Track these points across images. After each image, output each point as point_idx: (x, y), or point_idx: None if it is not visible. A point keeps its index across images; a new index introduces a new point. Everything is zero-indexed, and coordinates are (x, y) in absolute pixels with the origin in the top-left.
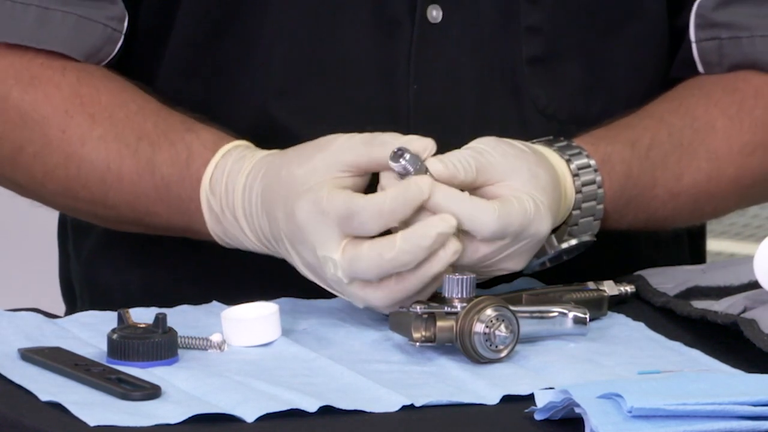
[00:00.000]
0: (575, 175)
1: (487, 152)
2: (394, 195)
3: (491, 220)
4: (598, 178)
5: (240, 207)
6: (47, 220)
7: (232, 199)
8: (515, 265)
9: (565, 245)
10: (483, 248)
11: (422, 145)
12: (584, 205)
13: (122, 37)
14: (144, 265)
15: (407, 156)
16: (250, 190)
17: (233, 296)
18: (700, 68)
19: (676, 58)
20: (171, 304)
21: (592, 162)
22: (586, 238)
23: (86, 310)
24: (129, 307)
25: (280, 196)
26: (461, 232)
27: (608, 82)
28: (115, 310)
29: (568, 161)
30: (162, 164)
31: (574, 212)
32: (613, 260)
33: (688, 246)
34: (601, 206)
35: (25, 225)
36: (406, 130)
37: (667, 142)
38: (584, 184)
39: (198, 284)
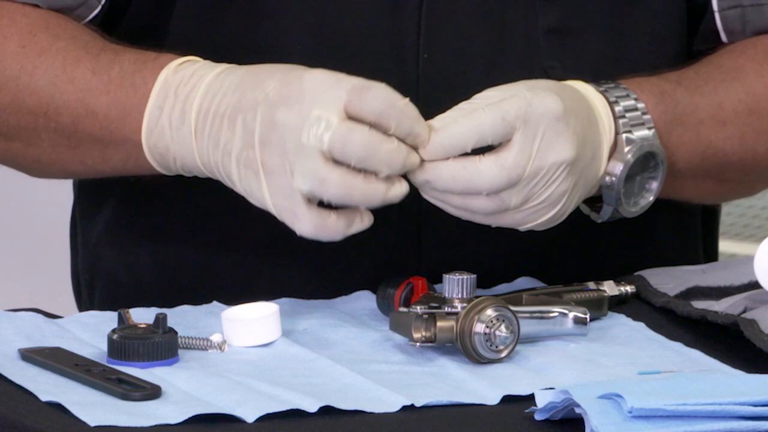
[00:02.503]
0: (601, 90)
1: (478, 96)
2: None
3: (486, 117)
4: (633, 94)
5: (205, 85)
6: (50, 221)
7: (200, 77)
8: (562, 152)
9: (626, 150)
10: (508, 155)
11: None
12: (624, 103)
13: (99, 7)
14: (152, 244)
15: None
16: (230, 71)
17: (239, 276)
18: (723, 38)
19: (699, 30)
20: (179, 283)
21: (620, 84)
22: (645, 132)
23: (93, 298)
24: (139, 289)
25: (279, 69)
26: (485, 161)
27: (629, 54)
28: (124, 294)
29: (588, 82)
30: (124, 61)
31: (617, 108)
32: (630, 257)
33: (702, 244)
34: (642, 105)
35: (27, 226)
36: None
37: (697, 77)
38: (608, 89)
39: (205, 264)
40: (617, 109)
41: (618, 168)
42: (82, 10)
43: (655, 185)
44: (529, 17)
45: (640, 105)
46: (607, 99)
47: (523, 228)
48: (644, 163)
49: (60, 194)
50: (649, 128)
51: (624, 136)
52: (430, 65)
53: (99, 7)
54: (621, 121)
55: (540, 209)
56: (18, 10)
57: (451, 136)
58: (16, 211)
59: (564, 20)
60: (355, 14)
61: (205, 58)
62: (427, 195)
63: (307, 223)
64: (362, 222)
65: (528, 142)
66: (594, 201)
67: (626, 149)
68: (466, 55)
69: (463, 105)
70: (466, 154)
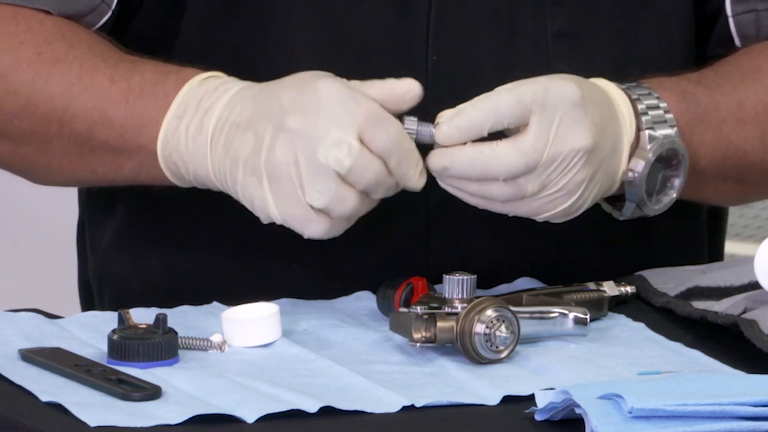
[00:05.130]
0: (623, 88)
1: (499, 87)
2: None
3: (503, 99)
4: (655, 93)
5: (227, 98)
6: (52, 222)
7: (223, 91)
8: (580, 138)
9: (649, 147)
10: (526, 140)
11: (404, 87)
12: (647, 101)
13: (110, 12)
14: (162, 248)
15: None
16: (251, 86)
17: (248, 280)
18: (737, 42)
19: (712, 36)
20: (189, 288)
21: (642, 83)
22: (667, 130)
23: (104, 304)
24: (149, 293)
25: (295, 79)
26: (502, 145)
27: (637, 58)
28: (134, 299)
29: (610, 80)
30: (145, 71)
31: (639, 106)
32: (634, 257)
33: (708, 245)
34: (664, 104)
35: (29, 227)
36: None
37: (716, 77)
38: (630, 87)
39: (215, 268)
40: (640, 106)
41: (640, 165)
42: (93, 17)
43: (677, 182)
44: (537, 20)
45: (663, 104)
46: (629, 96)
47: (539, 218)
48: (666, 161)
49: (64, 196)
50: (672, 126)
51: (647, 133)
52: (439, 68)
53: (109, 13)
54: (644, 118)
55: (557, 198)
56: (33, 18)
57: (468, 117)
58: (17, 212)
59: (573, 24)
60: (364, 17)
61: (214, 62)
62: (444, 183)
63: (320, 226)
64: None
65: (545, 127)
66: (616, 200)
67: (649, 146)
68: (475, 57)
69: (482, 95)
70: (483, 140)
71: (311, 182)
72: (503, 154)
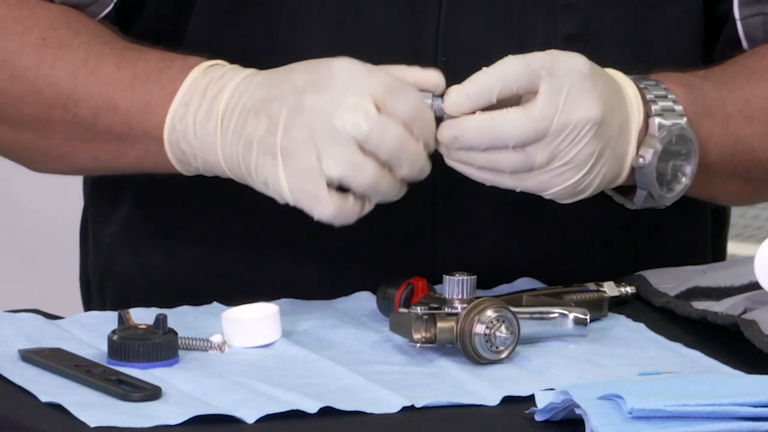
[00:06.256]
0: (632, 78)
1: (505, 57)
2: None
3: (511, 64)
4: (662, 84)
5: (233, 85)
6: (54, 222)
7: (229, 78)
8: (589, 109)
9: (659, 133)
10: (535, 107)
11: (426, 77)
12: (655, 92)
13: (113, 4)
14: (166, 245)
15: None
16: (258, 72)
17: (254, 278)
18: (745, 45)
19: (720, 38)
20: (193, 285)
21: (649, 76)
22: (677, 119)
23: (105, 300)
24: (150, 290)
25: (306, 63)
26: (512, 112)
27: (647, 62)
28: (137, 295)
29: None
30: (150, 58)
31: (648, 95)
32: (639, 257)
33: (711, 245)
34: (673, 95)
35: (30, 226)
36: None
37: (723, 75)
38: (639, 80)
39: (220, 265)
40: (648, 96)
41: (650, 151)
42: (96, 7)
43: (688, 169)
44: (548, 23)
45: (671, 95)
46: (637, 85)
47: (547, 194)
48: (676, 152)
49: (65, 197)
50: (681, 116)
51: (656, 120)
52: (448, 69)
53: (112, 4)
54: (653, 107)
55: (565, 171)
56: (38, 4)
57: (477, 83)
58: (18, 211)
59: (584, 27)
60: (373, 17)
61: (223, 60)
62: (452, 159)
63: (329, 206)
64: (369, 205)
65: (554, 95)
66: (627, 191)
67: (658, 133)
68: (485, 58)
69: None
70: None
71: (327, 150)
72: (513, 120)
